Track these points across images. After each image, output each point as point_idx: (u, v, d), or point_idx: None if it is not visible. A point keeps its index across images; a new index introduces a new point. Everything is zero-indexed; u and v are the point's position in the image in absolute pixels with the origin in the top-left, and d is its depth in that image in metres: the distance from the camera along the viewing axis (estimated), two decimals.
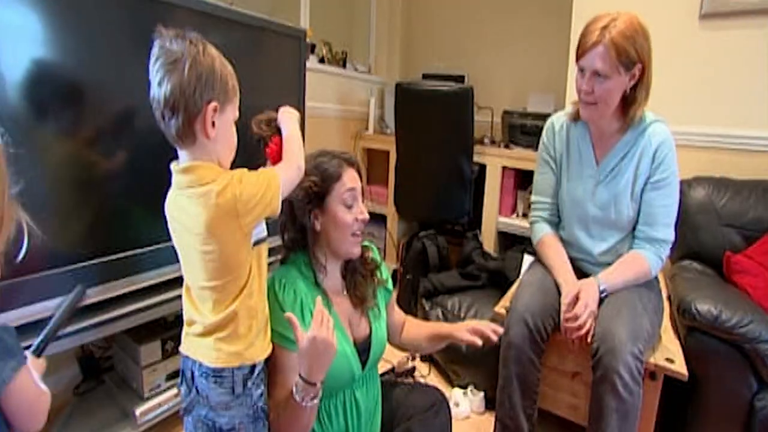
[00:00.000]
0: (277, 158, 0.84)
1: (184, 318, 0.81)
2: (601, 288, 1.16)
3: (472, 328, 1.00)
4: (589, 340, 1.10)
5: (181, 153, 0.76)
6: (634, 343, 1.03)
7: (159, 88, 0.70)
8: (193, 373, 0.79)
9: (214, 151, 0.76)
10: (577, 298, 1.14)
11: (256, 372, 0.80)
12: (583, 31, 1.13)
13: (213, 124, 0.73)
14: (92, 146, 1.06)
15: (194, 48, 0.71)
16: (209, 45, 0.75)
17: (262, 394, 0.82)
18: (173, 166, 0.76)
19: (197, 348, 0.78)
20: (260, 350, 0.80)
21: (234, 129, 0.79)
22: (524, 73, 2.72)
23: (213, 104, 0.72)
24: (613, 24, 1.08)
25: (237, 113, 0.79)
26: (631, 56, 1.08)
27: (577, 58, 1.13)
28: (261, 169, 0.79)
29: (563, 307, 1.15)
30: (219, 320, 0.76)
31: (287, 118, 0.87)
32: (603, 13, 1.11)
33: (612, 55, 1.07)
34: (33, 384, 0.63)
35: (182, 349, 0.81)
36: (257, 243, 0.80)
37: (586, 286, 1.15)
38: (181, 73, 0.69)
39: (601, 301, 1.16)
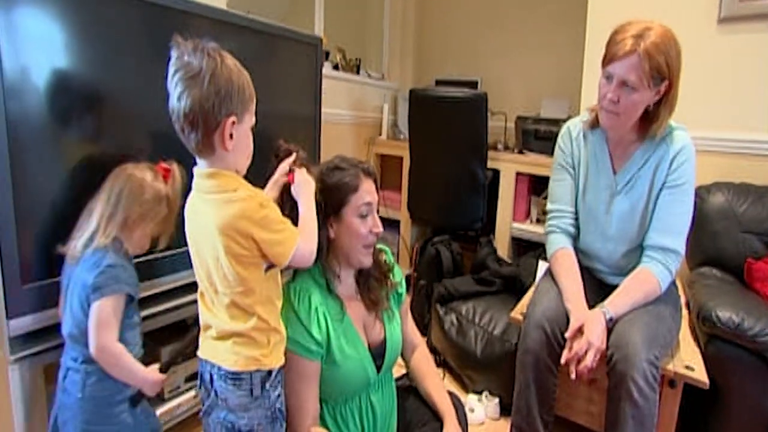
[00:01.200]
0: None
1: (201, 322, 0.83)
2: (609, 317, 1.10)
3: None
4: (591, 375, 1.06)
5: (201, 161, 0.78)
6: (649, 350, 1.02)
7: (178, 103, 0.71)
8: (211, 376, 0.80)
9: (233, 160, 0.77)
10: (581, 332, 1.09)
11: (274, 374, 0.81)
12: (612, 37, 1.09)
13: (231, 136, 0.74)
14: (112, 150, 1.09)
15: (213, 62, 0.71)
16: (226, 55, 0.75)
17: (279, 395, 0.83)
18: (196, 170, 0.78)
19: (215, 352, 0.79)
20: (276, 359, 0.82)
21: (251, 136, 0.80)
22: (537, 79, 2.72)
23: (231, 118, 0.73)
24: (647, 33, 1.04)
25: (254, 119, 0.80)
26: (662, 71, 1.05)
27: (605, 64, 1.10)
28: (287, 220, 0.80)
29: (567, 341, 1.10)
30: (235, 329, 0.77)
31: (304, 189, 0.86)
32: (634, 20, 1.07)
33: (645, 67, 1.03)
34: (111, 314, 0.84)
35: (200, 353, 0.82)
36: (269, 268, 0.81)
37: (591, 319, 1.09)
38: (200, 89, 0.70)
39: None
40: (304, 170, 0.88)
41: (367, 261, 0.95)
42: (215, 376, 0.79)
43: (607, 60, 1.09)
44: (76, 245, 0.87)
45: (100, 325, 0.83)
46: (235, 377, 0.77)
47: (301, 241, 0.79)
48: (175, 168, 0.95)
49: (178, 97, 0.72)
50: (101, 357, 0.84)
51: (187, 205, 0.81)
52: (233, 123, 0.74)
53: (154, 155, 1.14)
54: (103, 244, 0.86)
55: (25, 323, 0.95)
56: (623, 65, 1.06)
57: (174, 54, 0.72)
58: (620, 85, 1.08)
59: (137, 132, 1.14)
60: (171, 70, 0.72)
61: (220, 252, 0.74)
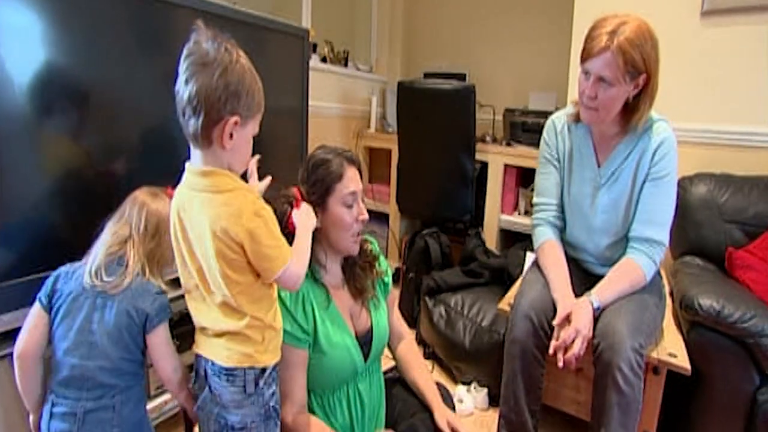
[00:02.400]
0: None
1: (194, 321, 0.82)
2: (595, 306, 1.12)
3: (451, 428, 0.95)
4: (578, 364, 1.07)
5: (195, 152, 0.75)
6: (634, 338, 1.04)
7: (185, 86, 0.69)
8: (206, 372, 0.79)
9: (227, 160, 0.75)
10: (568, 321, 1.10)
11: (268, 372, 0.80)
12: (589, 32, 1.09)
13: (231, 135, 0.72)
14: (95, 147, 1.07)
15: (228, 56, 0.69)
16: (244, 56, 0.73)
17: (273, 394, 0.82)
18: (188, 165, 0.76)
19: (210, 347, 0.79)
20: (271, 356, 0.81)
21: (251, 144, 0.78)
22: (525, 71, 2.73)
23: (235, 118, 0.71)
24: (621, 29, 1.04)
25: (257, 129, 0.78)
26: (638, 65, 1.05)
27: (582, 61, 1.11)
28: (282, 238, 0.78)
29: (555, 329, 1.12)
30: (229, 328, 0.76)
31: (305, 220, 0.86)
32: (610, 15, 1.08)
33: (619, 62, 1.04)
34: (167, 342, 0.85)
35: (195, 348, 0.82)
36: None
37: (578, 308, 1.11)
38: (209, 78, 0.68)
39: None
40: (309, 207, 0.88)
41: (354, 249, 0.95)
42: (209, 372, 0.79)
43: (584, 57, 1.10)
44: (122, 280, 0.82)
45: (170, 348, 0.85)
46: (229, 373, 0.77)
47: (292, 263, 0.76)
48: None
49: (185, 81, 0.69)
50: (175, 378, 0.85)
51: (174, 201, 0.78)
52: (236, 123, 0.71)
53: (140, 151, 1.13)
54: (147, 278, 0.86)
55: None
56: (598, 62, 1.06)
57: (192, 38, 0.70)
58: (597, 81, 1.08)
59: (116, 130, 1.10)
60: (185, 52, 0.70)
61: (211, 253, 0.73)
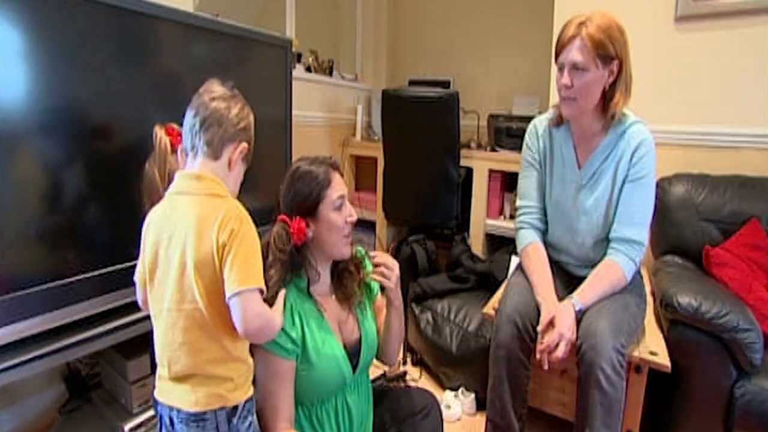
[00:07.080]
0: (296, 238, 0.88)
1: (157, 359, 0.76)
2: (577, 308, 1.14)
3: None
4: (563, 365, 1.09)
5: (194, 162, 0.77)
6: (616, 338, 1.05)
7: (211, 102, 0.77)
8: (172, 420, 0.73)
9: (224, 181, 0.78)
10: (552, 324, 1.12)
11: (241, 407, 0.75)
12: (560, 31, 1.15)
13: (236, 161, 0.79)
14: (72, 161, 1.05)
15: (242, 98, 0.83)
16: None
17: (250, 424, 0.78)
18: (179, 173, 0.77)
19: (173, 393, 0.73)
20: (242, 393, 0.76)
21: (240, 180, 0.85)
22: (508, 77, 2.77)
23: (245, 144, 0.80)
24: (588, 20, 1.10)
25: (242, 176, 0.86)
26: (608, 50, 1.10)
27: (556, 57, 1.15)
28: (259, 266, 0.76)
29: (539, 334, 1.14)
30: (193, 367, 0.72)
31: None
32: (577, 14, 1.14)
33: (589, 46, 1.09)
34: None
35: (157, 395, 0.76)
36: None
37: (561, 312, 1.13)
38: (237, 104, 0.80)
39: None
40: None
41: (347, 251, 0.96)
42: (175, 420, 0.73)
43: (557, 53, 1.15)
44: None
45: None
46: (198, 418, 0.71)
47: (255, 298, 0.70)
48: None
49: (212, 99, 0.78)
50: None
51: (155, 215, 0.75)
52: (243, 150, 0.80)
53: (118, 166, 1.12)
54: None
55: None
56: (570, 50, 1.11)
57: (206, 84, 0.82)
58: (571, 69, 1.12)
59: (101, 145, 1.09)
60: (204, 88, 0.80)
61: (189, 254, 0.70)
